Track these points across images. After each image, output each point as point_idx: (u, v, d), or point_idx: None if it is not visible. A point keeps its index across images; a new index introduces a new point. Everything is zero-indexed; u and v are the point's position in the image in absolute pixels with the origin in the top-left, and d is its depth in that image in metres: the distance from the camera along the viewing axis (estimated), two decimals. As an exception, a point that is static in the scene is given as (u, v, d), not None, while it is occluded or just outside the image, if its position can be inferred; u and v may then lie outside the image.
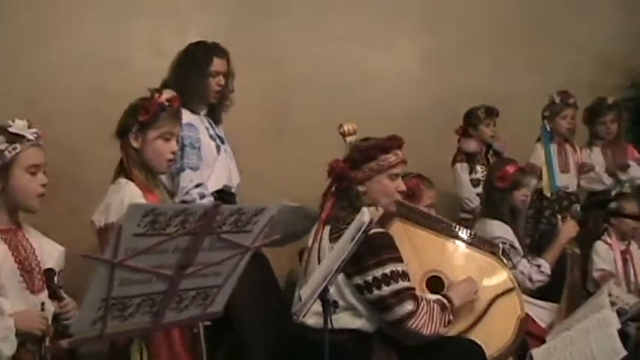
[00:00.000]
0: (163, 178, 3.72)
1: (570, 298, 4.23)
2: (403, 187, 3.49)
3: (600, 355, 3.33)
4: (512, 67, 6.15)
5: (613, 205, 4.95)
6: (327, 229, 3.34)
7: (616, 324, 3.45)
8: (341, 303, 3.19)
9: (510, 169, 4.53)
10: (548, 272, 4.29)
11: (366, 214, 2.74)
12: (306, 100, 5.56)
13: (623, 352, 3.31)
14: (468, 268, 3.61)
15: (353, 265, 3.09)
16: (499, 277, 3.63)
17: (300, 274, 3.48)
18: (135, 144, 3.24)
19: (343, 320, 3.21)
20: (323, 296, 2.76)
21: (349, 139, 3.59)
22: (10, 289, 2.73)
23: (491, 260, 3.68)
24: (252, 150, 4.72)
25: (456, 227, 3.78)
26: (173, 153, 3.32)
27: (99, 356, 2.92)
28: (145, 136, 3.24)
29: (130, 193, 3.13)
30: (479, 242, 3.75)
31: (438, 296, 3.34)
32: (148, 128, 3.23)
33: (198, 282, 2.31)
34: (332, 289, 2.94)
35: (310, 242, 3.42)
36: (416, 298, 3.17)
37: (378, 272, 3.14)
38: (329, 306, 2.83)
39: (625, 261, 4.87)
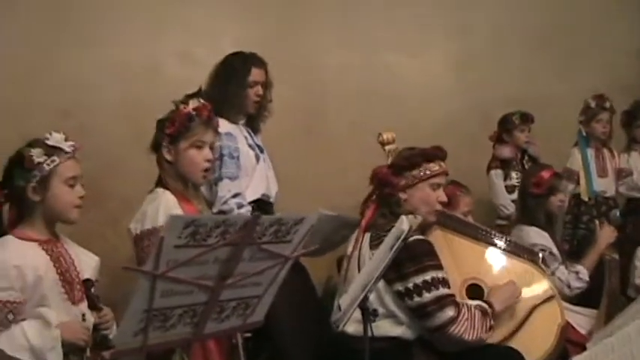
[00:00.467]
0: (202, 187, 3.74)
1: (609, 305, 4.19)
2: (444, 199, 3.50)
3: (643, 361, 3.29)
4: (546, 70, 6.08)
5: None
6: (368, 236, 3.34)
7: (658, 331, 3.40)
8: (381, 310, 3.20)
9: (545, 174, 4.49)
10: (587, 279, 4.25)
11: (405, 222, 2.73)
12: (339, 108, 5.55)
13: (666, 359, 3.26)
14: (507, 276, 3.59)
15: (393, 272, 3.09)
16: (539, 285, 3.60)
17: (340, 282, 3.48)
18: (168, 157, 3.26)
19: (383, 328, 3.20)
20: (363, 305, 2.75)
21: (388, 147, 3.60)
22: (53, 300, 2.74)
23: (530, 268, 3.65)
24: (285, 157, 4.71)
25: (494, 235, 3.76)
26: (208, 161, 3.31)
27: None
28: (177, 147, 3.25)
29: (165, 202, 3.16)
30: (518, 250, 3.73)
31: (479, 302, 3.34)
32: (178, 140, 3.24)
33: (238, 292, 2.30)
34: (372, 296, 2.96)
35: (350, 250, 3.43)
36: (457, 304, 3.17)
37: (418, 279, 3.14)
38: (369, 314, 2.82)
39: (666, 267, 4.80)
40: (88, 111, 4.81)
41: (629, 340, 3.43)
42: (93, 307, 2.77)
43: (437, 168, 3.45)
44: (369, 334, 2.82)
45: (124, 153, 4.63)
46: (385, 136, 3.70)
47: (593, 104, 5.45)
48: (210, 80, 4.12)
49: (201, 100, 3.31)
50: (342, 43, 5.57)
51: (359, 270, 3.25)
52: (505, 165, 5.40)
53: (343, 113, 5.55)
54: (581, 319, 4.02)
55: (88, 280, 2.81)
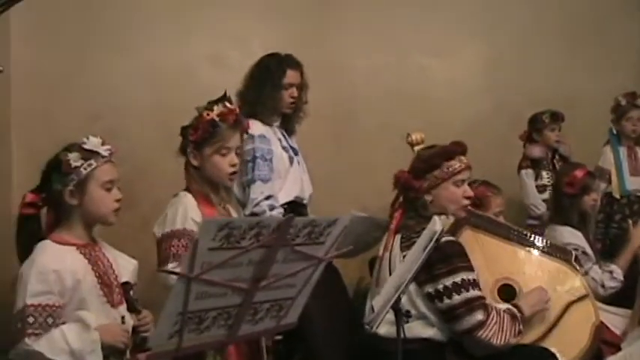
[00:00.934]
0: (235, 188, 3.76)
1: (643, 304, 4.15)
2: (470, 193, 3.46)
3: (678, 361, 3.26)
4: (576, 69, 6.05)
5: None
6: (398, 238, 3.33)
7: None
8: (413, 312, 3.20)
9: (579, 173, 4.46)
10: (621, 278, 4.22)
11: (437, 223, 2.73)
12: (369, 109, 5.56)
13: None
14: (540, 276, 3.58)
15: (424, 274, 3.08)
16: (572, 284, 3.59)
17: (372, 284, 3.48)
18: (194, 162, 3.29)
19: (415, 329, 3.20)
20: (395, 306, 2.75)
21: (417, 148, 3.60)
22: (92, 303, 2.77)
23: (563, 267, 3.63)
24: (316, 158, 4.71)
25: (527, 234, 3.75)
26: (233, 166, 3.33)
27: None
28: (202, 153, 3.28)
29: (184, 205, 3.19)
30: (551, 249, 3.71)
31: (509, 306, 3.32)
32: (203, 146, 3.27)
33: (272, 294, 2.31)
34: (404, 298, 2.94)
35: (381, 252, 3.42)
36: (486, 308, 3.16)
37: (449, 280, 3.13)
38: (401, 316, 2.82)
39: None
40: (119, 115, 4.86)
41: (664, 340, 3.42)
42: (132, 309, 2.81)
43: (458, 165, 3.40)
44: (402, 335, 2.82)
45: (155, 156, 4.66)
46: (414, 137, 3.70)
47: (623, 102, 5.41)
48: (245, 82, 4.14)
49: (228, 105, 3.32)
50: (372, 45, 5.57)
51: (390, 272, 3.25)
52: (536, 164, 5.37)
53: (373, 114, 5.55)
54: (615, 319, 3.98)
55: (126, 283, 2.85)
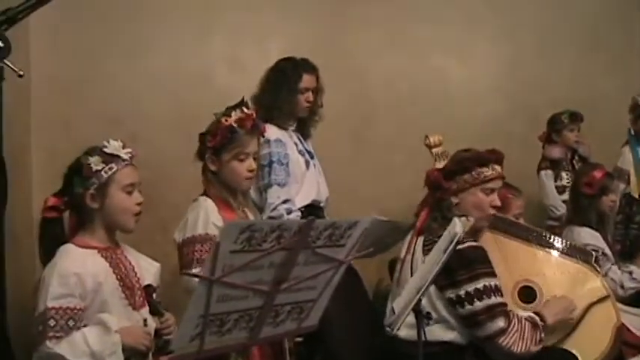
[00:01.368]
0: (252, 193, 3.77)
1: (663, 306, 4.13)
2: (498, 203, 3.42)
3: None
4: (595, 69, 6.01)
5: None
6: (421, 240, 3.33)
7: None
8: (434, 315, 3.20)
9: (597, 174, 4.46)
10: (640, 279, 4.20)
11: (458, 225, 2.71)
12: (387, 111, 5.54)
13: None
14: (560, 278, 3.56)
15: (446, 279, 3.08)
16: (593, 286, 3.56)
17: (393, 286, 3.47)
18: (212, 167, 3.31)
19: (436, 332, 3.19)
20: (416, 308, 2.74)
21: (435, 150, 3.58)
22: (114, 305, 2.78)
23: (583, 268, 3.61)
24: (334, 161, 4.72)
25: (546, 236, 3.73)
26: (251, 171, 3.35)
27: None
28: (220, 159, 3.29)
29: (205, 210, 3.21)
30: (571, 250, 3.68)
31: (530, 313, 3.30)
32: (221, 152, 3.28)
33: (293, 296, 2.31)
34: (424, 301, 2.93)
35: (403, 253, 3.41)
36: (508, 315, 3.15)
37: (470, 287, 3.12)
38: (422, 318, 2.81)
39: None
40: (138, 119, 4.86)
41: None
42: (154, 312, 2.82)
43: (490, 173, 3.37)
44: (423, 338, 2.82)
45: (174, 161, 4.67)
46: (432, 139, 3.69)
47: (640, 101, 5.39)
48: (260, 86, 4.15)
49: (245, 110, 3.33)
50: (390, 47, 5.55)
51: (412, 274, 3.24)
52: (555, 165, 5.36)
53: (391, 116, 5.54)
54: (635, 319, 3.96)
55: (149, 285, 2.86)
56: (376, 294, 4.36)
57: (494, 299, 3.14)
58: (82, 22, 4.76)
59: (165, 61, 5.02)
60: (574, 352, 3.31)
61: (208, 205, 3.23)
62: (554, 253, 3.67)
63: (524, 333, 3.14)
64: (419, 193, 3.53)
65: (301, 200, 4.04)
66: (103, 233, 2.89)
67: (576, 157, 5.43)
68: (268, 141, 3.90)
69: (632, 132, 5.40)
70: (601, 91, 5.95)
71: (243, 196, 3.42)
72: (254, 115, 3.37)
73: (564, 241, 3.75)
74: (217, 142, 3.26)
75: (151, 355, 2.79)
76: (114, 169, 2.83)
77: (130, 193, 2.88)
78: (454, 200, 3.36)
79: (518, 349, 3.11)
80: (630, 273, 4.22)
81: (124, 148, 2.89)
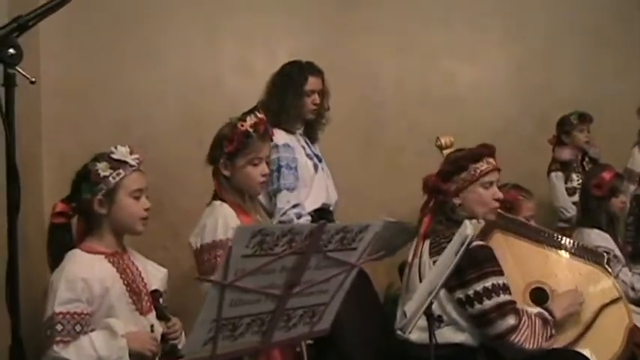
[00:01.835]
0: (261, 198, 3.77)
1: (675, 307, 4.11)
2: (500, 195, 3.43)
3: None
4: (605, 70, 6.00)
5: None
6: (427, 243, 3.33)
7: None
8: (444, 318, 3.19)
9: (607, 175, 4.45)
10: (652, 280, 4.19)
11: (469, 228, 2.71)
12: (397, 113, 5.54)
13: None
14: (572, 279, 3.55)
15: (454, 279, 3.07)
16: (604, 287, 3.56)
17: (402, 290, 3.47)
18: (225, 172, 3.30)
19: (446, 335, 3.19)
20: (428, 311, 2.74)
21: (446, 152, 3.59)
22: (121, 310, 2.79)
23: (595, 270, 3.60)
24: (344, 164, 4.73)
25: (558, 237, 3.72)
26: (264, 175, 3.35)
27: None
28: (234, 164, 3.29)
29: (223, 215, 3.19)
30: (582, 252, 3.68)
31: (540, 309, 3.30)
32: (236, 157, 3.28)
33: (305, 300, 2.31)
34: (435, 304, 2.92)
35: (410, 257, 3.41)
36: (518, 312, 3.15)
37: (479, 286, 3.12)
38: (433, 321, 2.81)
39: None
40: (148, 124, 4.88)
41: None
42: (161, 317, 2.83)
43: (485, 166, 3.38)
44: (434, 341, 2.81)
45: (184, 165, 4.67)
46: (443, 141, 3.70)
47: (648, 103, 5.38)
48: (267, 90, 4.16)
49: (257, 114, 3.34)
50: (399, 50, 5.55)
51: (420, 277, 3.25)
52: (565, 167, 5.35)
53: (401, 119, 5.53)
54: (647, 321, 3.96)
55: (155, 290, 2.88)
56: (386, 297, 4.36)
57: (504, 297, 3.14)
58: (91, 27, 4.78)
59: (174, 65, 5.03)
60: (586, 353, 3.29)
61: (226, 209, 3.22)
62: (566, 254, 3.67)
63: (535, 329, 3.14)
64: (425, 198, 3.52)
65: (311, 204, 4.04)
66: (111, 238, 2.90)
67: (586, 159, 5.42)
68: (276, 146, 3.90)
69: (641, 133, 5.40)
70: (610, 93, 5.93)
71: (251, 201, 3.42)
72: (265, 119, 3.37)
73: (575, 242, 3.74)
74: (233, 148, 3.26)
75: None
76: (121, 175, 2.85)
77: (137, 198, 2.89)
78: (456, 201, 3.36)
79: (530, 346, 3.11)
80: (641, 274, 4.22)
81: (131, 153, 2.90)
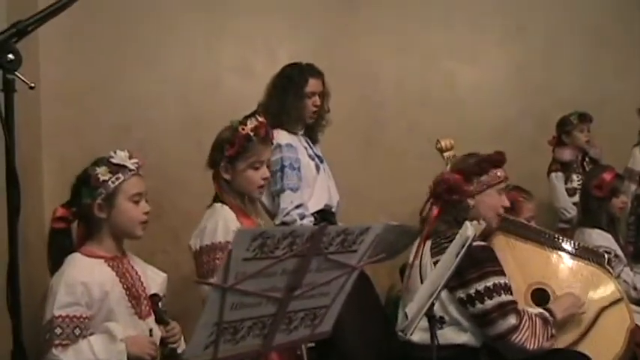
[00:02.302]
0: (264, 198, 3.77)
1: (677, 306, 4.11)
2: (507, 203, 3.50)
3: None
4: (603, 70, 5.99)
5: None
6: (429, 244, 3.33)
7: None
8: (446, 318, 3.19)
9: (607, 176, 4.46)
10: (654, 280, 4.19)
11: (469, 229, 2.71)
12: (397, 115, 5.53)
13: None
14: (573, 280, 3.56)
15: (455, 279, 3.08)
16: (606, 288, 3.56)
17: (403, 291, 3.47)
18: (226, 176, 3.30)
19: (448, 335, 3.20)
20: (429, 312, 2.74)
21: (447, 154, 3.59)
22: (120, 314, 2.80)
23: (596, 271, 3.61)
24: (344, 165, 4.72)
25: (558, 238, 3.73)
26: (265, 179, 3.36)
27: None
28: (235, 167, 3.29)
29: (224, 217, 3.19)
30: (583, 253, 3.68)
31: (541, 310, 3.31)
32: (237, 160, 3.28)
33: (306, 303, 2.31)
34: (436, 305, 2.92)
35: (411, 258, 3.41)
36: (519, 312, 3.16)
37: (480, 285, 3.13)
38: (435, 322, 2.81)
39: None
40: (149, 127, 4.87)
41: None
42: (160, 321, 2.82)
43: (502, 174, 3.46)
44: (436, 342, 2.81)
45: (185, 168, 4.67)
46: (443, 143, 3.69)
47: (648, 103, 5.38)
48: (267, 92, 4.15)
49: (258, 117, 3.34)
50: (399, 51, 5.55)
51: (421, 278, 3.26)
52: (566, 168, 5.35)
53: (401, 120, 5.53)
54: (649, 321, 3.96)
55: (155, 295, 2.87)
56: (388, 300, 4.35)
57: (505, 297, 3.14)
58: (90, 31, 4.77)
59: (174, 68, 5.03)
60: (588, 354, 3.30)
61: (226, 212, 3.22)
62: (567, 255, 3.67)
63: (535, 329, 3.15)
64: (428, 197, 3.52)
65: (314, 205, 4.03)
66: (111, 242, 2.91)
67: (587, 159, 5.42)
68: (279, 146, 3.90)
69: (641, 132, 5.40)
70: (610, 93, 5.93)
71: (252, 204, 3.41)
72: (266, 122, 3.38)
73: (576, 243, 3.75)
74: (235, 151, 3.26)
75: (156, 363, 2.81)
76: (121, 179, 2.86)
77: (137, 202, 2.90)
78: (470, 202, 3.38)
79: (531, 346, 3.12)
80: (643, 274, 4.22)
81: (130, 158, 2.91)
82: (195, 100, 5.01)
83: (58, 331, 2.66)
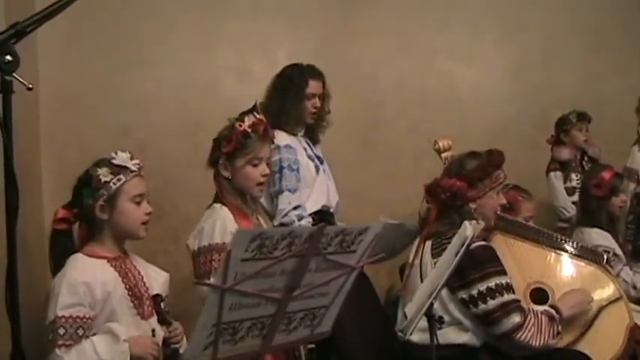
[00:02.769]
0: (263, 200, 3.76)
1: (676, 305, 4.11)
2: (504, 201, 3.51)
3: None
4: (602, 69, 5.98)
5: None
6: (429, 244, 3.32)
7: None
8: (446, 318, 3.20)
9: (606, 175, 4.46)
10: (653, 279, 4.19)
11: (468, 229, 2.72)
12: (396, 116, 5.53)
13: None
14: (572, 279, 3.57)
15: (457, 280, 3.08)
16: (605, 287, 3.57)
17: (402, 291, 3.47)
18: (225, 173, 3.30)
19: (448, 335, 3.19)
20: (428, 312, 2.74)
21: (444, 155, 3.59)
22: (123, 315, 2.80)
23: (595, 270, 3.62)
24: (343, 166, 4.72)
25: (557, 238, 3.73)
26: (264, 176, 3.35)
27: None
28: (234, 164, 3.29)
29: (222, 219, 3.19)
30: (582, 252, 3.69)
31: (546, 307, 3.32)
32: (235, 157, 3.28)
33: (305, 303, 2.30)
34: (437, 305, 2.93)
35: (411, 258, 3.41)
36: (523, 310, 3.15)
37: (482, 286, 3.12)
38: (434, 322, 2.81)
39: None
40: (148, 129, 4.87)
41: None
42: (163, 321, 2.83)
43: (502, 174, 3.44)
44: (435, 341, 2.81)
45: (184, 169, 4.68)
46: (441, 144, 3.70)
47: (646, 102, 5.37)
48: (267, 93, 4.15)
49: (257, 115, 3.33)
50: (397, 52, 5.54)
51: (421, 279, 3.25)
52: (564, 167, 5.34)
53: (400, 121, 5.52)
54: (648, 320, 3.96)
55: (157, 295, 2.88)
56: (387, 300, 4.35)
57: (508, 296, 3.14)
58: (89, 33, 4.77)
59: (173, 70, 5.02)
60: (587, 353, 3.30)
61: (224, 213, 3.22)
62: (566, 254, 3.68)
63: (541, 326, 3.15)
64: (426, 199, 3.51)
65: (312, 206, 4.02)
66: (112, 243, 2.91)
67: (586, 159, 5.41)
68: (278, 147, 3.90)
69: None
70: (609, 91, 5.92)
71: (254, 203, 3.42)
72: (265, 120, 3.37)
73: (575, 242, 3.75)
74: (232, 148, 3.26)
75: (158, 363, 2.81)
76: (122, 181, 2.86)
77: (138, 203, 2.90)
78: (472, 206, 3.36)
79: (537, 343, 3.12)
80: (642, 273, 4.22)
81: (132, 159, 2.91)
82: (194, 103, 5.00)
83: (60, 331, 2.66)
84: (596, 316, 3.46)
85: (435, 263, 3.17)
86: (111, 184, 2.84)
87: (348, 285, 2.40)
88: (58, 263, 2.85)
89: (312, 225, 3.77)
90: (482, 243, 3.23)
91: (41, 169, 4.57)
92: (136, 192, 2.89)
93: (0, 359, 2.24)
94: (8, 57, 2.00)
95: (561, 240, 3.71)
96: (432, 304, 2.72)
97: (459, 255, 2.70)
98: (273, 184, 3.90)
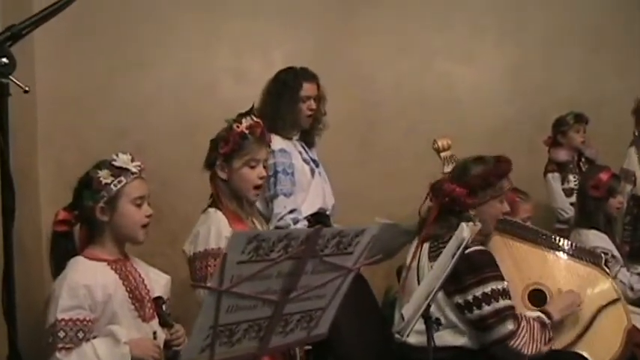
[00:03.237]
0: (258, 204, 3.76)
1: (674, 307, 4.11)
2: (508, 209, 3.49)
3: None
4: (601, 70, 5.98)
5: None
6: (426, 247, 3.32)
7: None
8: (443, 320, 3.21)
9: (604, 176, 4.46)
10: (650, 280, 4.19)
11: (465, 230, 2.71)
12: (394, 116, 5.52)
13: None
14: (570, 280, 3.56)
15: (453, 284, 3.08)
16: (603, 288, 3.57)
17: (399, 293, 3.46)
18: (222, 175, 3.30)
19: (445, 338, 3.20)
20: (425, 314, 2.74)
21: (443, 154, 3.59)
22: (124, 317, 2.80)
23: (593, 271, 3.62)
24: (341, 167, 4.72)
25: (555, 239, 3.74)
26: (261, 178, 3.35)
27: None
28: (231, 166, 3.29)
29: (217, 222, 3.20)
30: (580, 253, 3.69)
31: (538, 313, 3.31)
32: (232, 158, 3.28)
33: (302, 305, 2.30)
34: (433, 307, 2.93)
35: (409, 261, 3.41)
36: (516, 318, 3.16)
37: (478, 291, 3.13)
38: (431, 324, 2.81)
39: None
40: (145, 131, 4.86)
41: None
42: (164, 324, 2.84)
43: (507, 183, 3.43)
44: (432, 344, 2.81)
45: (181, 171, 4.68)
46: (440, 143, 3.70)
47: (642, 103, 5.38)
48: (262, 97, 4.14)
49: (254, 118, 3.34)
50: (395, 52, 5.54)
51: (418, 281, 3.25)
52: (562, 168, 5.33)
53: (398, 122, 5.51)
54: (646, 321, 3.96)
55: (158, 297, 2.89)
56: (385, 302, 4.35)
57: (503, 302, 3.14)
58: (86, 35, 4.76)
59: (171, 72, 5.02)
60: (585, 355, 3.30)
61: (219, 217, 3.22)
62: (564, 255, 3.68)
63: (533, 334, 3.16)
64: (427, 200, 3.52)
65: (307, 209, 4.03)
66: (113, 245, 2.91)
67: (583, 160, 5.41)
68: (273, 151, 3.88)
69: (637, 133, 5.38)
70: (608, 93, 5.92)
71: (249, 206, 3.41)
72: (262, 123, 3.37)
73: (573, 243, 3.75)
74: (229, 149, 3.26)
75: (160, 366, 2.80)
76: (123, 182, 2.86)
77: (139, 205, 2.90)
78: (472, 212, 3.34)
79: (529, 351, 3.13)
80: (639, 275, 4.20)
81: (132, 161, 2.91)
82: (191, 104, 5.00)
83: (61, 334, 2.67)
84: (593, 317, 3.47)
85: (431, 266, 3.16)
86: (111, 185, 2.84)
87: (344, 287, 2.40)
88: (58, 265, 2.85)
89: (308, 227, 3.77)
90: (480, 247, 3.23)
91: (39, 171, 4.57)
92: (136, 194, 2.89)
93: (-4, 362, 2.24)
94: (4, 59, 1.99)
95: (559, 241, 3.72)
96: (429, 306, 2.72)
97: (456, 257, 2.70)
98: (268, 189, 3.89)
